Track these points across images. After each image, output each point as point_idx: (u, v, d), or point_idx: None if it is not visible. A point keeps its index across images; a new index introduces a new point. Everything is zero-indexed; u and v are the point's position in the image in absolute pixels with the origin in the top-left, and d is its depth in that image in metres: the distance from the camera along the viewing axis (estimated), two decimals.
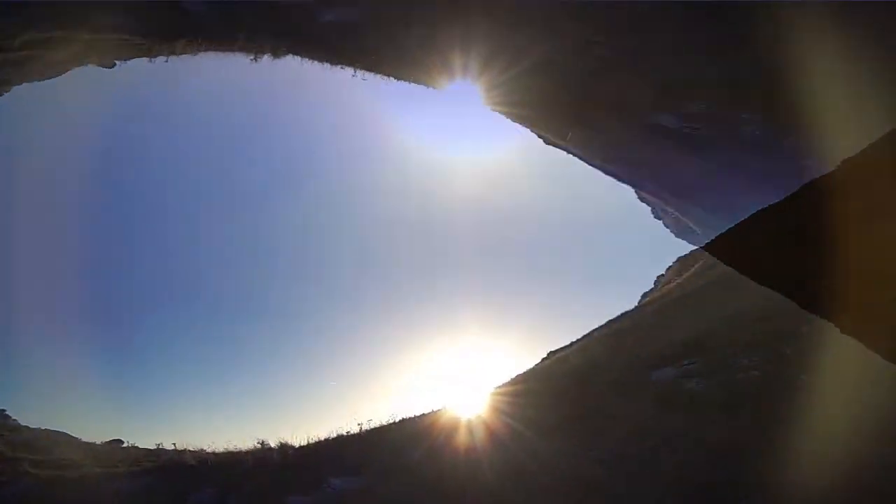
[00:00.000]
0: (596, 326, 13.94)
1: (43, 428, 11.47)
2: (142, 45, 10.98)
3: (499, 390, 11.93)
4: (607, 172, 14.85)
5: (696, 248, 16.48)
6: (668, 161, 12.41)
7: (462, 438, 9.63)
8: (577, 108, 12.45)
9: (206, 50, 12.13)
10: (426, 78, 12.48)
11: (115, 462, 10.04)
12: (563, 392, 10.66)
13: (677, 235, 17.71)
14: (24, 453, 9.84)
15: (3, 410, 11.66)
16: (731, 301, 12.15)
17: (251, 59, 13.27)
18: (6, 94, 11.53)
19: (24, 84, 11.03)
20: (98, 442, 11.34)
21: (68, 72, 11.42)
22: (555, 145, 14.08)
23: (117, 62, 11.89)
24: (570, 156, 14.16)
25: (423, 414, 11.09)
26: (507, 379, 12.67)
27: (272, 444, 10.34)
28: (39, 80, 11.37)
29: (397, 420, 10.91)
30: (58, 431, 11.43)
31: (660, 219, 17.89)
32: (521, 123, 13.60)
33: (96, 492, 8.85)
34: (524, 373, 12.78)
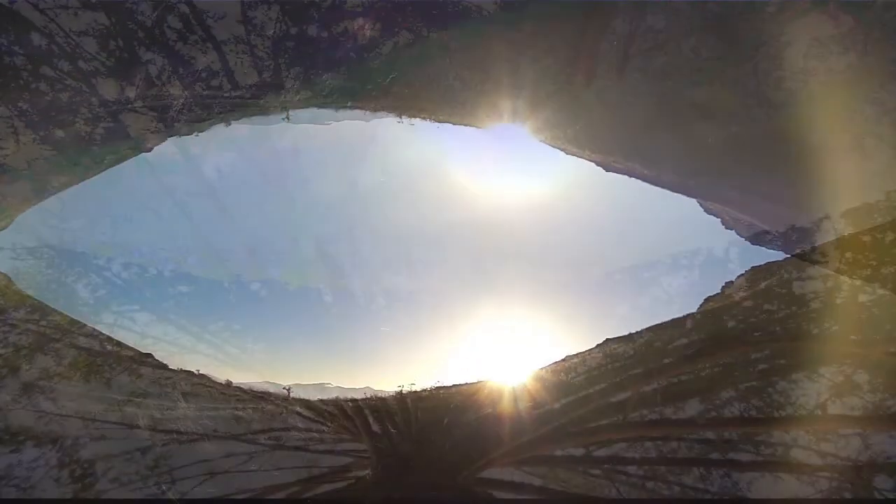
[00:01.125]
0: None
1: None
2: (159, 127, 10.38)
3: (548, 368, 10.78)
4: (677, 189, 13.64)
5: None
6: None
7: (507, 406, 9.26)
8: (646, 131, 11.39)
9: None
10: (473, 120, 11.65)
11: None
12: None
13: (753, 243, 16.33)
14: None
15: None
16: None
17: (283, 119, 12.76)
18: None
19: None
20: None
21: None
22: (617, 170, 12.98)
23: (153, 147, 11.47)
24: (634, 180, 13.07)
25: (468, 383, 10.46)
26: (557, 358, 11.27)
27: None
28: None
29: (440, 386, 10.46)
30: None
31: (731, 228, 16.56)
32: (576, 155, 12.59)
33: None
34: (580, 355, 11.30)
